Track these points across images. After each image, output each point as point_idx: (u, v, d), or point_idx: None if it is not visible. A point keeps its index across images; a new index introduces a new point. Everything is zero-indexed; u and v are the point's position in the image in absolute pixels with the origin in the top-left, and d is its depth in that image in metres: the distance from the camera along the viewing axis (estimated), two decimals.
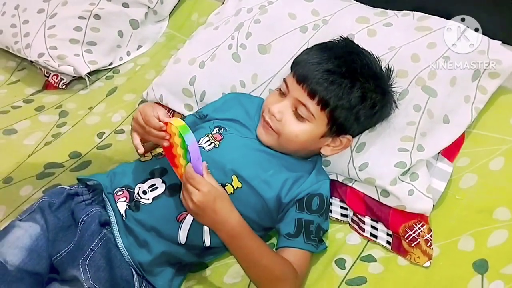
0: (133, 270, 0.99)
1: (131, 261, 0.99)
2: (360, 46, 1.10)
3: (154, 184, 1.04)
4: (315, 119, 1.03)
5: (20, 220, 1.02)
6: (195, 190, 0.92)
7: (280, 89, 1.09)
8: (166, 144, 0.98)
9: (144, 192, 1.03)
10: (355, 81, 1.02)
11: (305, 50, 1.12)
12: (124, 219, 1.01)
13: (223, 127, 1.12)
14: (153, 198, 1.02)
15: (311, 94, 1.02)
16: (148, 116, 0.99)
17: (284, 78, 1.08)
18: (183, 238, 1.01)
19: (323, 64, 1.02)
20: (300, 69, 1.05)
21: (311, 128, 1.04)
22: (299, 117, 1.04)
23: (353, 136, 1.09)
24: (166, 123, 0.97)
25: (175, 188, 1.02)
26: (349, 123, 1.04)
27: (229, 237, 0.95)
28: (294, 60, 1.10)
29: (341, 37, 1.11)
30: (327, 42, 1.11)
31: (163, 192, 1.02)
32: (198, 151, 0.92)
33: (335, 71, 1.01)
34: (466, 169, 1.12)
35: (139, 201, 1.02)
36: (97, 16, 1.65)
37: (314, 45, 1.11)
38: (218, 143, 1.08)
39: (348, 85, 1.01)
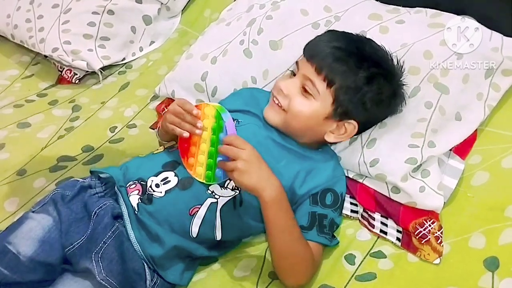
0: (145, 264, 1.00)
1: (143, 254, 1.00)
2: (373, 40, 1.10)
3: (167, 178, 1.04)
4: (320, 96, 1.04)
5: (33, 211, 1.03)
6: (239, 149, 0.93)
7: (292, 71, 1.11)
8: (186, 135, 1.00)
9: (157, 185, 1.03)
10: (363, 62, 1.02)
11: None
12: (136, 212, 1.01)
13: (235, 119, 1.12)
14: (165, 191, 1.02)
15: (318, 70, 1.03)
16: (183, 102, 1.01)
17: (296, 61, 1.10)
18: (195, 231, 1.01)
19: (333, 42, 1.05)
20: (310, 46, 1.08)
21: (316, 105, 1.05)
22: (305, 93, 1.05)
23: (359, 128, 1.07)
24: (199, 106, 1.00)
25: (187, 182, 1.02)
26: (354, 105, 1.04)
27: (271, 198, 0.94)
28: (306, 44, 1.11)
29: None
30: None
31: (176, 185, 1.03)
32: (234, 128, 0.96)
33: (344, 49, 1.03)
34: (478, 167, 1.12)
35: (152, 194, 1.02)
36: (111, 12, 1.67)
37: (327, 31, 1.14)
38: None
39: (355, 64, 1.02)
